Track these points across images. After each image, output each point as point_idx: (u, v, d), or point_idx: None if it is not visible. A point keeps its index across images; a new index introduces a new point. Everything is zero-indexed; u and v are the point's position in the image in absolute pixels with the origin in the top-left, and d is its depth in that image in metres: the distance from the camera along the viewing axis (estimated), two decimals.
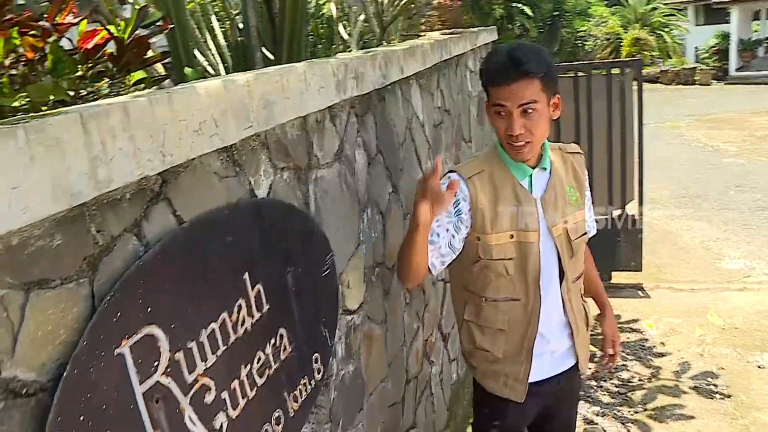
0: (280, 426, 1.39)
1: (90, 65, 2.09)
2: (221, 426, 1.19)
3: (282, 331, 1.42)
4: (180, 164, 1.10)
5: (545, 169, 1.89)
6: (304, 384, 1.51)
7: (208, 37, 3.07)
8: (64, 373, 0.87)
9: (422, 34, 4.29)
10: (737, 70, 21.44)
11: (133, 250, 1.02)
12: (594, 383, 3.80)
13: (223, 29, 3.35)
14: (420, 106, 2.69)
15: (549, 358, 1.99)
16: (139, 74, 2.06)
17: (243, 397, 1.27)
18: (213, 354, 1.18)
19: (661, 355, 4.19)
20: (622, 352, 4.21)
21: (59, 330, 0.89)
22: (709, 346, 4.25)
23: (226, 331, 1.22)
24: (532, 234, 1.85)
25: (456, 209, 1.81)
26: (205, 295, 1.17)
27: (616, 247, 5.09)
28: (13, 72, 1.91)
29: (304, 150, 1.59)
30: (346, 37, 4.84)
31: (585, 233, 2.00)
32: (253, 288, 1.32)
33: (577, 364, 2.04)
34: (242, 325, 1.28)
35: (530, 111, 1.73)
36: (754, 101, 15.98)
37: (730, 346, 4.22)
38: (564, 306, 1.94)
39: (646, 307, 4.89)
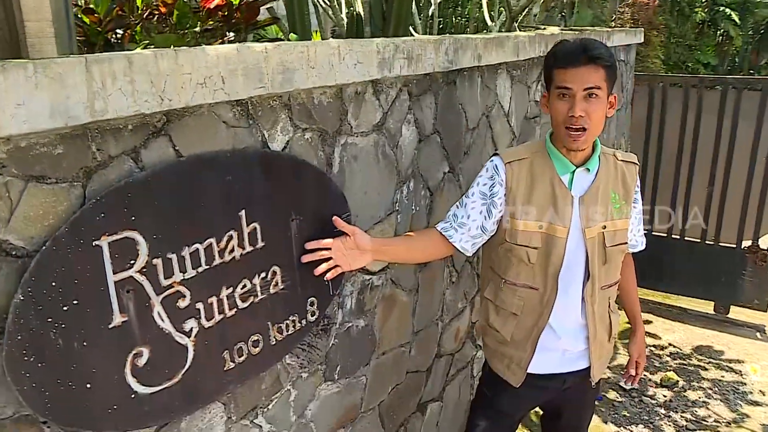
0: (257, 348, 1.61)
1: (210, 23, 2.42)
2: (191, 329, 1.43)
3: (276, 268, 1.63)
4: (183, 108, 1.33)
5: (589, 170, 1.91)
6: (293, 321, 1.71)
7: (326, 6, 3.32)
8: (43, 247, 1.14)
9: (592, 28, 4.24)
10: None
11: (128, 169, 1.27)
12: (663, 411, 3.64)
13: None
14: (507, 96, 2.75)
15: (559, 356, 2.02)
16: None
17: (220, 313, 1.50)
18: (193, 269, 1.42)
19: (755, 404, 3.88)
20: (709, 389, 3.98)
21: (49, 216, 1.16)
22: None
23: (211, 253, 1.45)
24: (561, 229, 1.88)
25: (491, 192, 1.90)
26: (194, 219, 1.40)
27: (740, 281, 4.74)
28: (149, 23, 2.28)
29: (335, 116, 1.77)
30: (489, 23, 4.91)
31: (624, 243, 1.99)
32: (248, 224, 1.53)
33: (589, 369, 2.05)
34: (230, 252, 1.50)
35: (593, 96, 1.76)
36: None
37: None
38: (584, 308, 1.96)
39: (760, 350, 4.52)
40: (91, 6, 2.09)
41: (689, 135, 4.62)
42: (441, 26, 4.82)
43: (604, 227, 1.93)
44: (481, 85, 2.51)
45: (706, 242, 4.74)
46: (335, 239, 1.70)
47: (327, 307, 1.83)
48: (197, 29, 2.31)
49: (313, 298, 1.77)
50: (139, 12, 2.23)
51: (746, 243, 4.68)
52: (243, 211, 1.51)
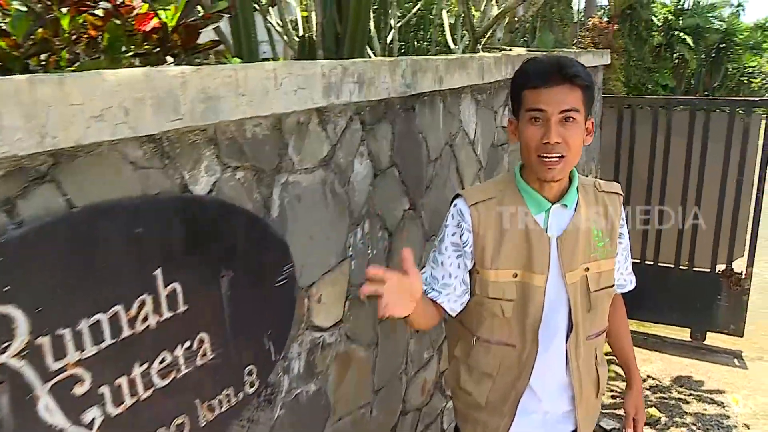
0: None
1: (146, 47, 2.16)
2: (92, 420, 1.15)
3: (203, 335, 1.36)
4: (74, 147, 1.06)
5: (567, 206, 1.66)
6: (228, 395, 1.44)
7: (277, 28, 3.09)
8: None
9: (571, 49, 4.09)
10: None
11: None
12: None
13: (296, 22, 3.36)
14: (472, 122, 2.53)
15: (540, 418, 1.77)
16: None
17: (132, 396, 1.22)
18: (94, 345, 1.14)
19: None
20: (693, 424, 3.78)
21: None
22: None
23: (117, 324, 1.18)
24: (538, 276, 1.64)
25: (462, 241, 1.66)
26: (94, 283, 1.13)
27: (715, 306, 4.59)
28: (77, 48, 2.01)
29: (273, 151, 1.52)
30: (452, 46, 4.74)
31: (611, 285, 1.75)
32: (166, 286, 1.26)
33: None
34: (144, 321, 1.23)
35: (570, 120, 1.53)
36: None
37: None
38: (568, 364, 1.72)
39: (740, 379, 4.35)
40: (6, 29, 1.82)
41: (659, 158, 4.48)
42: (402, 51, 4.63)
43: (587, 270, 1.69)
44: (443, 111, 2.29)
45: (680, 267, 4.59)
46: (394, 274, 1.38)
47: (269, 375, 1.56)
48: (131, 54, 2.06)
49: (251, 366, 1.50)
50: (66, 35, 1.97)
51: (720, 267, 4.55)
52: (159, 269, 1.24)
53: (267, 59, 3.12)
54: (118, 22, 1.76)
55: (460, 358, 1.80)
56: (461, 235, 1.66)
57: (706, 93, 19.33)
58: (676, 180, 4.49)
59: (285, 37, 3.13)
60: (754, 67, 20.73)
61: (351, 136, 1.78)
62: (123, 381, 1.20)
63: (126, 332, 1.20)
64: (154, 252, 1.23)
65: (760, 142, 4.28)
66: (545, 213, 1.65)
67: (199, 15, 2.42)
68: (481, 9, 4.05)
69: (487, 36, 3.81)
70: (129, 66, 1.97)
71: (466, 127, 2.49)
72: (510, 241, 1.64)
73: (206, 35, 2.61)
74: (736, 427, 3.80)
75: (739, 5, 22.21)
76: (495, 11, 3.96)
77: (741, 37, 20.35)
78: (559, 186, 1.65)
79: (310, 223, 1.66)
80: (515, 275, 1.66)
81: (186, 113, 1.22)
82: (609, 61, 4.27)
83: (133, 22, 2.07)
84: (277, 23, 3.34)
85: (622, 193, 1.81)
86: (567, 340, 1.69)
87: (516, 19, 3.74)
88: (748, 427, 3.80)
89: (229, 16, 2.64)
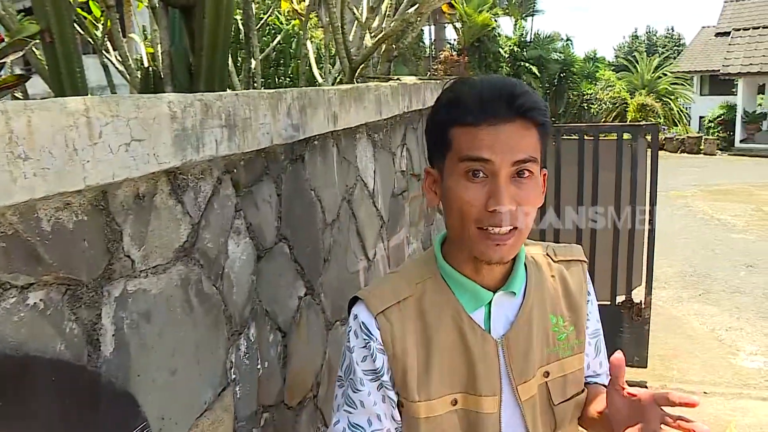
0: None
1: None
2: None
3: None
4: None
5: (515, 293, 1.16)
6: None
7: (117, 65, 2.44)
8: None
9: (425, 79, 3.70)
10: (742, 141, 21.15)
11: None
12: None
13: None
14: (371, 169, 2.02)
15: None
16: None
17: None
18: None
19: None
20: None
21: None
22: None
23: None
24: (488, 400, 1.12)
25: (375, 366, 1.10)
26: None
27: (618, 339, 4.39)
28: None
29: (97, 248, 0.90)
30: (320, 79, 4.26)
31: (580, 392, 1.24)
32: None
33: None
34: None
35: (525, 175, 1.03)
36: (759, 174, 15.54)
37: None
38: None
39: None
40: None
41: (551, 187, 4.25)
42: (264, 87, 4.08)
43: (547, 375, 1.19)
44: (338, 158, 1.76)
45: None
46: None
47: None
48: None
49: None
50: None
51: (620, 298, 4.36)
52: None
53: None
54: None
55: None
56: (374, 359, 1.11)
57: (553, 119, 20.51)
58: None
59: (128, 76, 2.47)
60: (590, 94, 22.34)
61: (221, 207, 1.20)
62: None
63: None
64: None
65: (649, 168, 4.17)
66: (485, 307, 1.14)
67: None
68: (350, 38, 3.61)
69: (362, 66, 3.36)
70: None
71: (363, 175, 1.97)
72: (441, 356, 1.10)
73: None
74: None
75: (568, 39, 24.09)
76: (368, 39, 3.53)
77: (577, 67, 21.94)
78: (503, 266, 1.13)
79: (169, 352, 1.04)
80: (454, 402, 1.12)
81: None
82: None
83: None
84: (117, 59, 2.67)
85: (585, 259, 1.31)
86: None
87: (393, 47, 3.34)
88: None
89: (40, 42, 2.00)
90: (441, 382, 1.10)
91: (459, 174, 1.04)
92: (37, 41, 2.02)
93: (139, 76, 2.52)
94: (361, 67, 3.38)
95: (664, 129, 21.63)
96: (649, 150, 4.08)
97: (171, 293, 1.06)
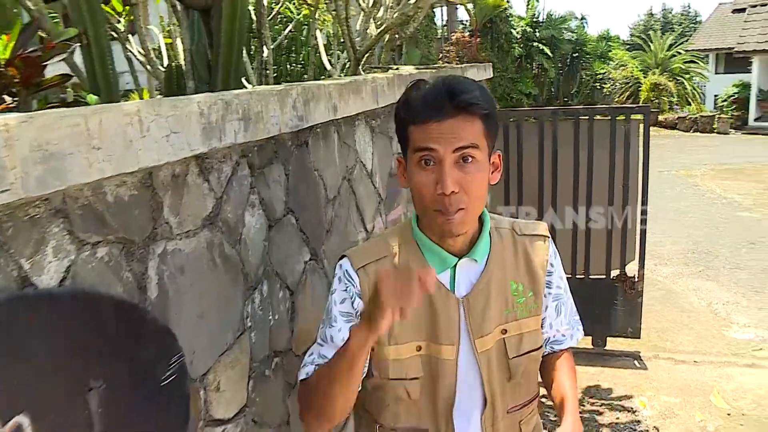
0: None
1: None
2: None
3: None
4: None
5: (477, 260, 1.40)
6: None
7: (139, 57, 2.71)
8: None
9: (433, 66, 3.94)
10: (756, 120, 20.90)
11: None
12: None
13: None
14: (369, 152, 2.29)
15: None
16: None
17: None
18: None
19: None
20: None
21: None
22: None
23: None
24: (447, 348, 1.36)
25: (354, 309, 1.37)
26: None
27: (613, 312, 4.63)
28: None
29: (144, 215, 1.18)
30: (328, 67, 4.50)
31: (537, 348, 1.48)
32: (6, 421, 0.90)
33: None
34: None
35: (469, 160, 1.26)
36: None
37: None
38: None
39: (642, 380, 4.40)
40: None
41: (548, 169, 4.47)
42: (276, 75, 4.34)
43: (505, 332, 1.42)
44: (338, 143, 2.02)
45: (577, 276, 4.59)
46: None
47: None
48: None
49: None
50: None
51: (615, 272, 4.60)
52: None
53: (130, 91, 2.74)
54: None
55: None
56: (352, 302, 1.37)
57: (565, 99, 20.53)
58: (566, 190, 4.50)
59: (148, 67, 2.75)
60: (603, 73, 22.26)
61: (239, 185, 1.47)
62: None
63: None
64: None
65: (641, 147, 4.38)
66: (451, 270, 1.39)
67: (41, 45, 2.04)
68: (357, 27, 3.85)
69: (366, 55, 3.60)
70: None
71: (362, 157, 2.24)
72: (410, 308, 1.33)
73: (58, 67, 2.21)
74: (647, 430, 3.80)
75: (582, 18, 23.92)
76: (373, 29, 3.77)
77: (589, 46, 21.83)
78: (465, 237, 1.38)
79: (198, 299, 1.33)
80: (419, 348, 1.37)
81: (17, 181, 0.88)
82: (491, 75, 4.21)
83: None
84: (139, 52, 2.94)
85: (548, 234, 1.53)
86: (482, 418, 1.42)
87: (396, 36, 3.56)
88: (657, 429, 3.82)
89: (79, 45, 2.26)
90: (408, 331, 1.36)
91: (415, 163, 1.29)
92: (78, 44, 2.28)
93: (162, 68, 2.79)
94: (366, 56, 3.62)
95: (676, 108, 21.55)
96: (641, 127, 4.29)
97: (200, 253, 1.34)
